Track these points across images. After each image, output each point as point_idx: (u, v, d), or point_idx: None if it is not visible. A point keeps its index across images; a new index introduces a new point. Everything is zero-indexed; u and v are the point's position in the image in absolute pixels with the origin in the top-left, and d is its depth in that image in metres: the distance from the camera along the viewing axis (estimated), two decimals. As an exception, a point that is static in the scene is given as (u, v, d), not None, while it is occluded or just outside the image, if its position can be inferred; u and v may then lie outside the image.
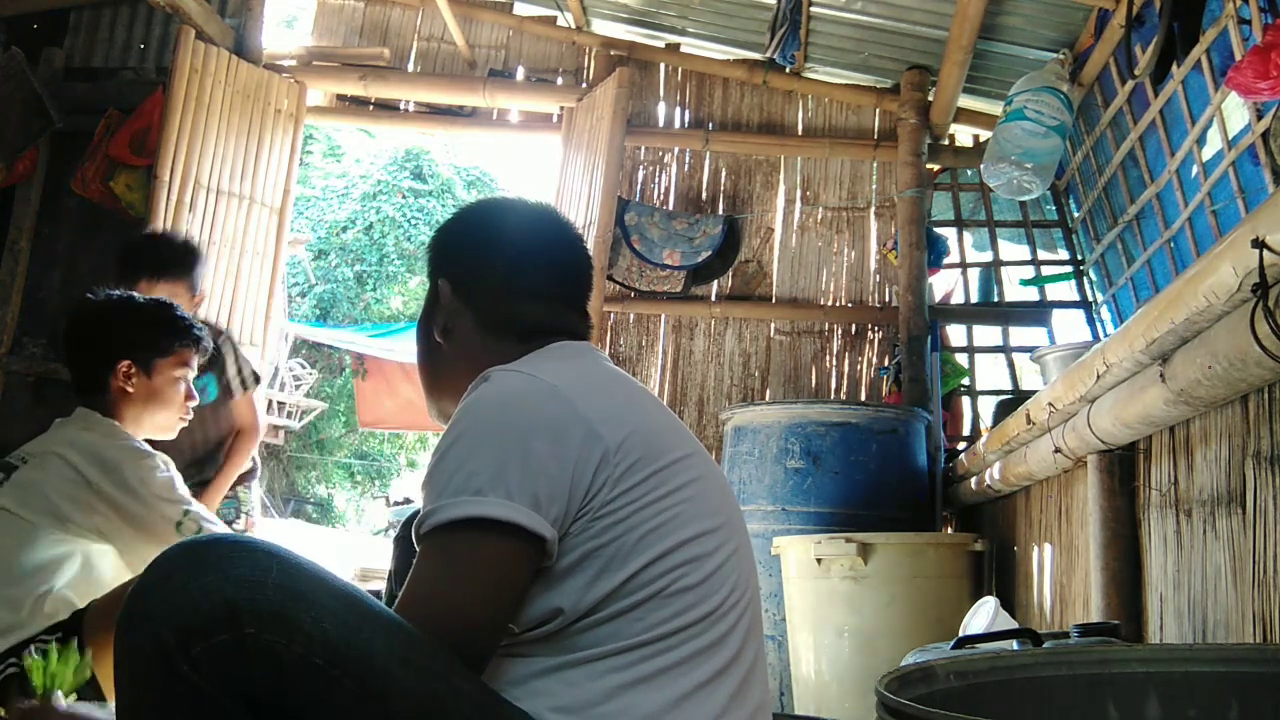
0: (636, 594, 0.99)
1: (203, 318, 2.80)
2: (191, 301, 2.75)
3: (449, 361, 1.23)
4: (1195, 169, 3.08)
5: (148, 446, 1.92)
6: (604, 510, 0.99)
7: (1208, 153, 3.01)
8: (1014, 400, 3.54)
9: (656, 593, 1.00)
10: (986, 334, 4.54)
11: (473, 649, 0.96)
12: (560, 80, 4.78)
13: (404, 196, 15.66)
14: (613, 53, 4.68)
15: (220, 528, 2.00)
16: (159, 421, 2.06)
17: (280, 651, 0.81)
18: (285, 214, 4.39)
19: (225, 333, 3.02)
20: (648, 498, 1.02)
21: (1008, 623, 1.99)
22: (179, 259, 2.77)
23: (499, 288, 1.24)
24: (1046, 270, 4.46)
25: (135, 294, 2.11)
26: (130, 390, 1.99)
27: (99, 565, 1.84)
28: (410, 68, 4.85)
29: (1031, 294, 4.46)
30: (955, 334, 4.52)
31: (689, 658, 1.00)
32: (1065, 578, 2.42)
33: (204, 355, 2.14)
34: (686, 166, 4.65)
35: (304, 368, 13.97)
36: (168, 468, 1.90)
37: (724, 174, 4.63)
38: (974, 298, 4.58)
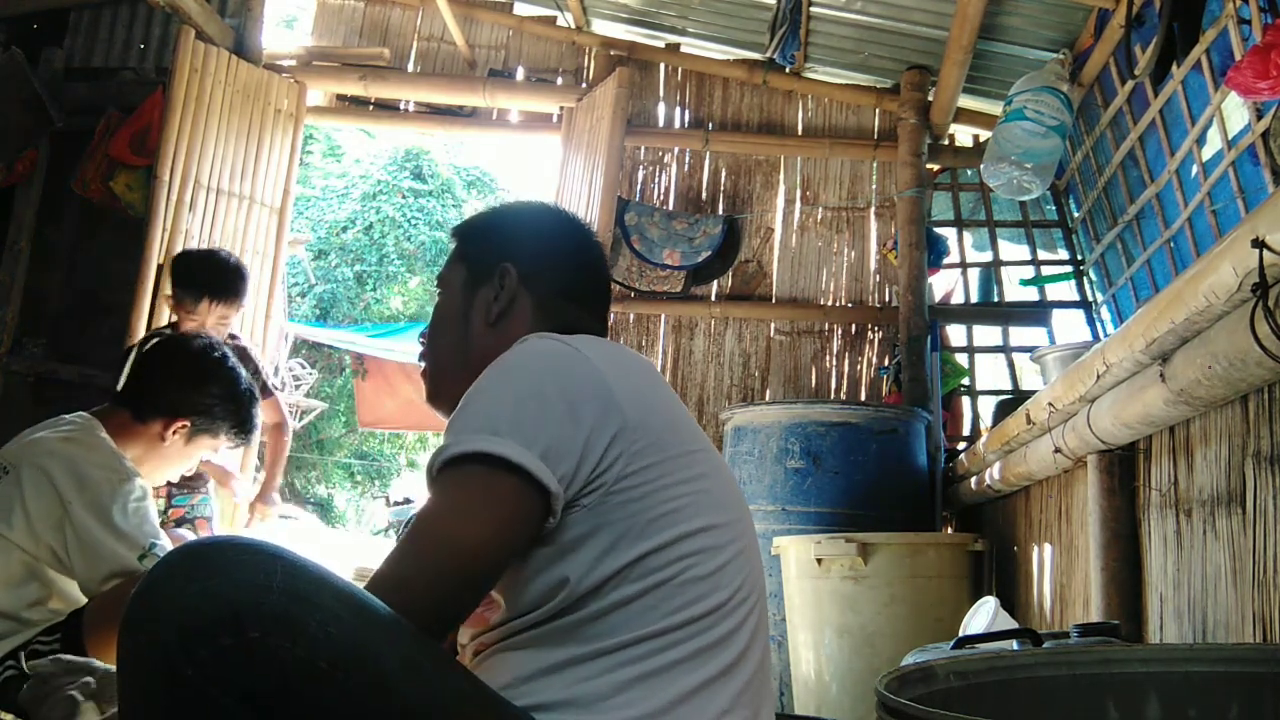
0: (646, 579, 1.00)
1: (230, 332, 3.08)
2: (233, 316, 3.02)
3: (493, 349, 1.16)
4: (1195, 169, 3.09)
5: (130, 466, 1.89)
6: (617, 486, 1.01)
7: (1207, 153, 3.01)
8: (1014, 400, 3.54)
9: (666, 580, 1.00)
10: (986, 334, 4.55)
11: (457, 576, 0.96)
12: (560, 80, 4.78)
13: (404, 196, 15.65)
14: (613, 53, 4.68)
15: None
16: (157, 475, 2.06)
17: (285, 654, 0.81)
18: (285, 214, 4.39)
19: (245, 344, 3.20)
20: (661, 481, 1.03)
21: (1008, 623, 1.99)
22: (241, 284, 3.00)
23: (560, 283, 1.27)
24: (1046, 270, 4.46)
25: (240, 371, 2.08)
26: (164, 441, 1.99)
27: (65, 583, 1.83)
28: (410, 68, 4.85)
29: (1031, 294, 4.46)
30: (955, 334, 4.52)
31: (697, 653, 1.00)
32: (1065, 578, 2.42)
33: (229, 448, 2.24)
34: (686, 166, 4.65)
35: (304, 368, 13.96)
36: (145, 494, 1.87)
37: (724, 174, 4.63)
38: (974, 298, 4.58)
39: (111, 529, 1.76)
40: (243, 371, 2.09)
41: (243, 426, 2.07)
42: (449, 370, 1.26)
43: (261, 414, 3.17)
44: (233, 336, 3.13)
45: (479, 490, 0.98)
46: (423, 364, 1.32)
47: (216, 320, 2.98)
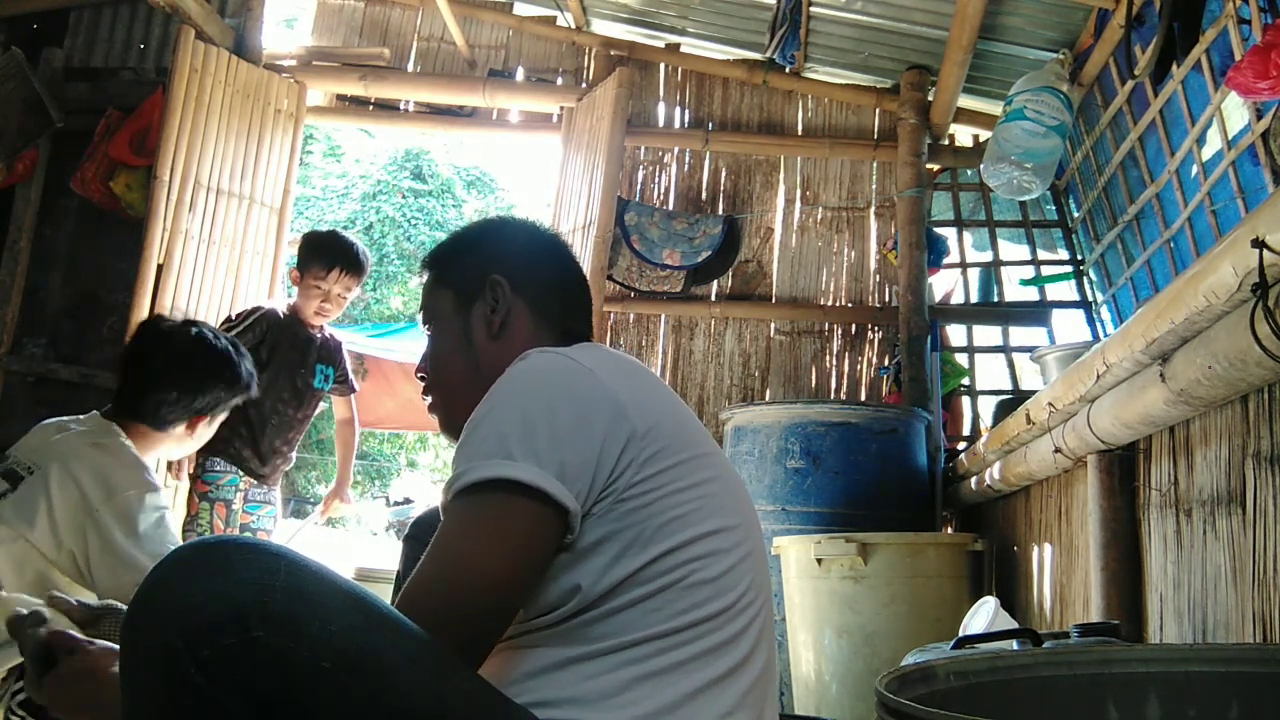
0: (654, 582, 1.00)
1: (325, 325, 3.33)
2: (354, 291, 3.25)
3: (501, 361, 1.15)
4: (1195, 169, 3.09)
5: (154, 477, 1.90)
6: (628, 493, 1.01)
7: (1207, 153, 3.01)
8: (1014, 400, 3.54)
9: (674, 583, 1.01)
10: (986, 334, 4.55)
11: (489, 608, 0.96)
12: (560, 80, 4.78)
13: (404, 196, 15.67)
14: (613, 53, 4.68)
15: None
16: (173, 455, 2.21)
17: (288, 654, 0.81)
18: (285, 214, 4.38)
19: (337, 338, 3.46)
20: (670, 487, 1.03)
21: (1008, 623, 1.99)
22: (367, 262, 3.26)
23: (546, 283, 1.30)
24: (1046, 270, 4.46)
25: (220, 341, 2.11)
26: (192, 436, 2.07)
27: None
28: (410, 68, 4.85)
29: (1031, 294, 4.46)
30: (955, 334, 4.52)
31: (703, 653, 1.00)
32: (1065, 578, 2.42)
33: None
34: (686, 166, 4.65)
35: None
36: (167, 506, 1.89)
37: (724, 174, 4.62)
38: (974, 298, 4.58)
39: (136, 538, 1.76)
40: (222, 339, 2.12)
41: (246, 389, 2.13)
42: (463, 394, 1.23)
43: (338, 409, 3.50)
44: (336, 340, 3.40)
45: (501, 518, 0.98)
46: (428, 398, 1.33)
47: (341, 290, 3.18)
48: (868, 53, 4.31)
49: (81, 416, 1.99)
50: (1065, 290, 4.41)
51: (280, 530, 3.40)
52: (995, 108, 4.11)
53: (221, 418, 2.14)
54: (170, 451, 2.13)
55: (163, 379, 2.00)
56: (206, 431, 2.11)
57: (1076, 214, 4.31)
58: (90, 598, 1.77)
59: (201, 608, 0.81)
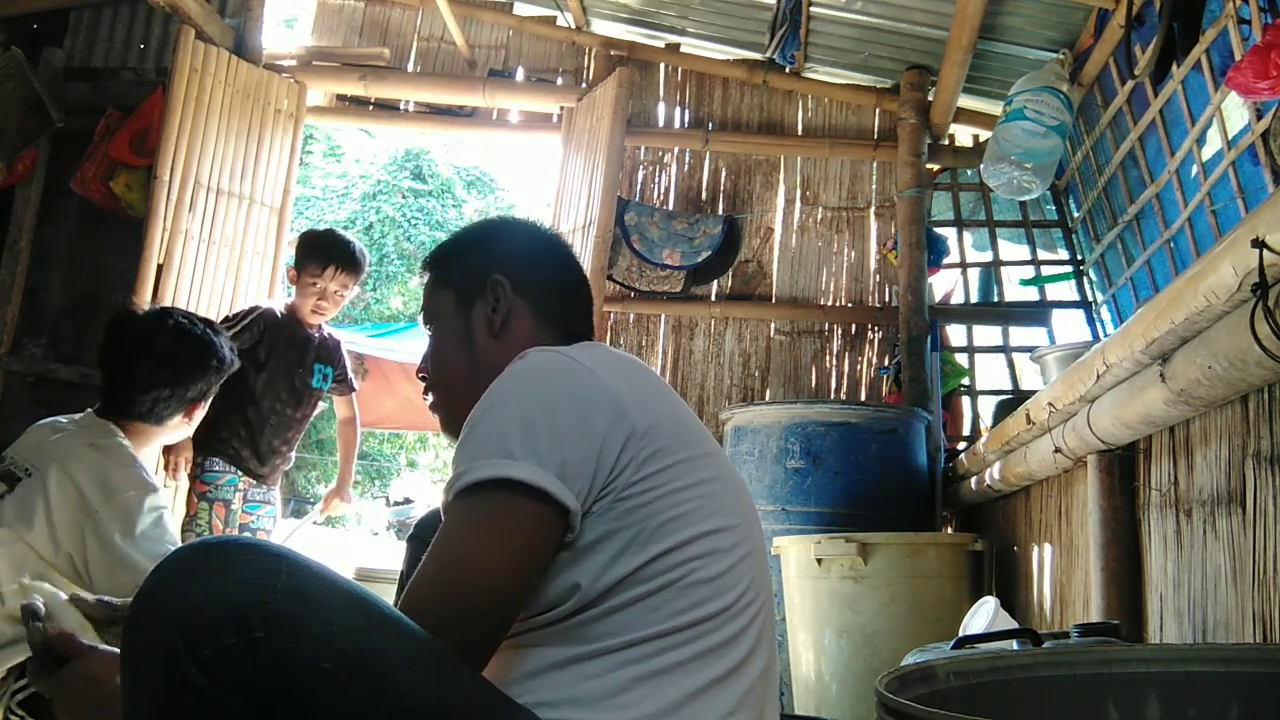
0: (653, 581, 1.00)
1: (325, 324, 3.34)
2: (352, 289, 3.26)
3: (501, 360, 1.16)
4: (1195, 169, 3.09)
5: (153, 479, 1.90)
6: (627, 492, 1.01)
7: (1207, 153, 3.01)
8: (1014, 400, 3.54)
9: (673, 582, 1.01)
10: (986, 334, 4.55)
11: (492, 609, 0.96)
12: (560, 80, 4.78)
13: (404, 196, 15.66)
14: (613, 53, 4.68)
15: None
16: (172, 441, 2.24)
17: (289, 654, 0.81)
18: (285, 214, 4.38)
19: (336, 337, 3.47)
20: (669, 485, 1.03)
21: (1008, 623, 1.99)
22: (364, 259, 3.25)
23: (547, 283, 1.31)
24: (1046, 270, 4.46)
25: (195, 329, 2.12)
26: (190, 423, 2.10)
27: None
28: (410, 68, 4.85)
29: (1031, 294, 4.46)
30: (955, 334, 4.52)
31: (703, 653, 1.00)
32: (1065, 578, 2.42)
33: None
34: (686, 166, 4.65)
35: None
36: (165, 506, 1.89)
37: (724, 174, 4.62)
38: (974, 298, 4.58)
39: (134, 539, 1.76)
40: (198, 324, 2.13)
41: (232, 366, 2.17)
42: (464, 394, 1.22)
43: (340, 409, 3.51)
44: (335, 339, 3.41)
45: (502, 519, 0.98)
46: (429, 398, 1.33)
47: (338, 288, 3.18)
48: (868, 53, 4.31)
49: (76, 416, 1.99)
50: (1065, 290, 4.41)
51: (279, 530, 3.40)
52: (995, 108, 4.11)
53: (198, 415, 2.16)
54: (170, 439, 2.16)
55: (154, 378, 2.01)
56: (202, 412, 2.14)
57: (1076, 214, 4.31)
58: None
59: (202, 608, 0.81)
